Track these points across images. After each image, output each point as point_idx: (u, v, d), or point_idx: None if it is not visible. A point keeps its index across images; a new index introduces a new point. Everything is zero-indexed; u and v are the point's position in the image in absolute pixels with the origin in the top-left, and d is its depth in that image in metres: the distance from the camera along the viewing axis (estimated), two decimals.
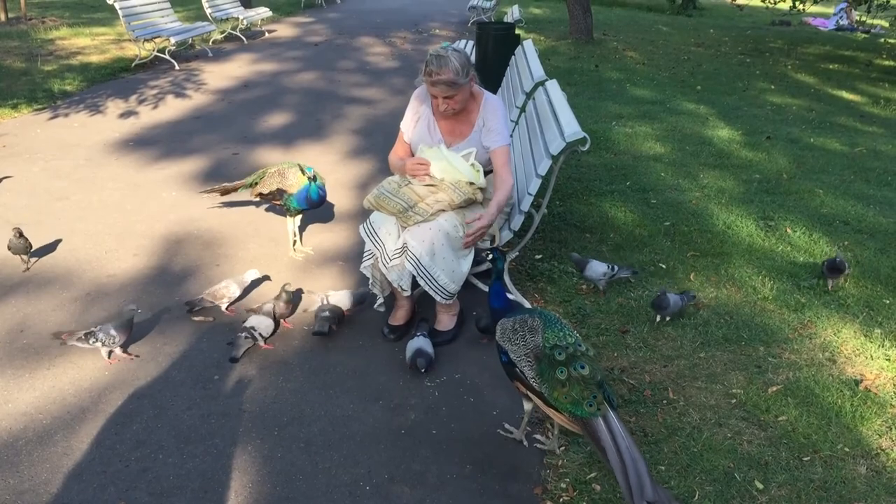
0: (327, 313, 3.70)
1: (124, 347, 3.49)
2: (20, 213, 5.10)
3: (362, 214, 3.72)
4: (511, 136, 4.03)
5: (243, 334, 3.54)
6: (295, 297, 3.84)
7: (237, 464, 2.87)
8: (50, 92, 8.65)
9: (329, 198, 5.61)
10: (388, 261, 3.52)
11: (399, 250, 3.49)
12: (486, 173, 3.65)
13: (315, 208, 4.53)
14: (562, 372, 2.53)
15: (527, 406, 2.93)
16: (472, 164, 3.59)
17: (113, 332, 3.32)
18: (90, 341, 3.33)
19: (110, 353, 3.43)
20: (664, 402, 3.30)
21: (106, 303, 3.99)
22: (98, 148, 6.66)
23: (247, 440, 3.00)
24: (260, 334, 3.55)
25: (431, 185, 3.54)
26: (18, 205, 5.25)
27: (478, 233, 3.44)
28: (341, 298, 3.82)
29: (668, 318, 3.95)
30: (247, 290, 4.11)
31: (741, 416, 3.22)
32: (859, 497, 2.78)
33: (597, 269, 4.10)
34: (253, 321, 3.59)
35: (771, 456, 2.98)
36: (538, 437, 3.08)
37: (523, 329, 2.70)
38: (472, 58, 9.80)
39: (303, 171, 4.38)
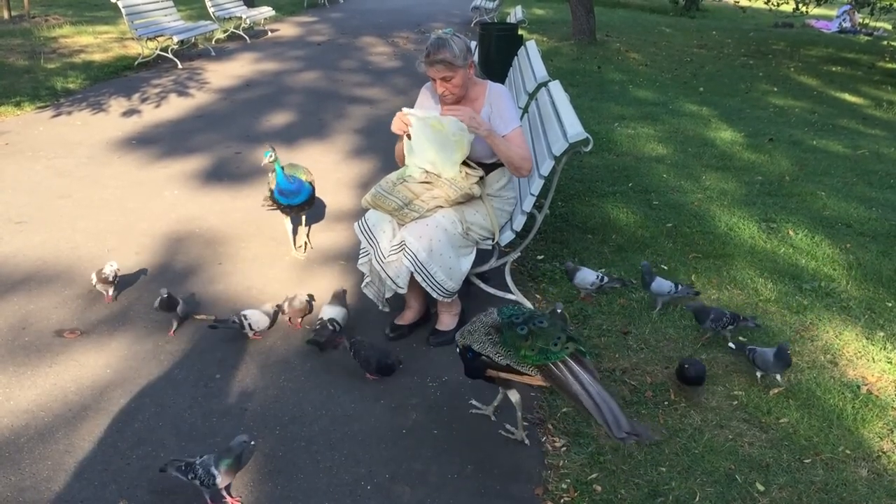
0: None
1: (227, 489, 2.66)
2: (22, 210, 5.11)
3: (363, 213, 3.72)
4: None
5: (232, 318, 3.62)
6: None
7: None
8: (53, 90, 8.66)
9: (331, 197, 5.62)
10: (384, 257, 3.52)
11: (397, 247, 3.49)
12: (492, 168, 3.63)
13: (293, 196, 4.36)
14: (522, 329, 2.67)
15: (514, 398, 2.95)
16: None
17: (213, 471, 2.54)
18: (189, 476, 2.56)
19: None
20: (665, 403, 3.30)
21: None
22: (100, 146, 6.66)
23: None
24: (250, 325, 3.59)
25: (427, 183, 3.54)
26: (20, 202, 5.25)
27: (462, 114, 3.40)
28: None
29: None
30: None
31: (742, 418, 3.22)
32: (860, 500, 2.78)
33: (586, 277, 4.06)
34: (248, 311, 3.63)
35: (772, 458, 2.98)
36: (474, 402, 3.24)
37: (478, 319, 2.86)
38: (476, 58, 9.82)
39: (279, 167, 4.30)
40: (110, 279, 3.86)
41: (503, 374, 2.78)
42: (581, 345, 2.63)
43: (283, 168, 4.30)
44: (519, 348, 2.65)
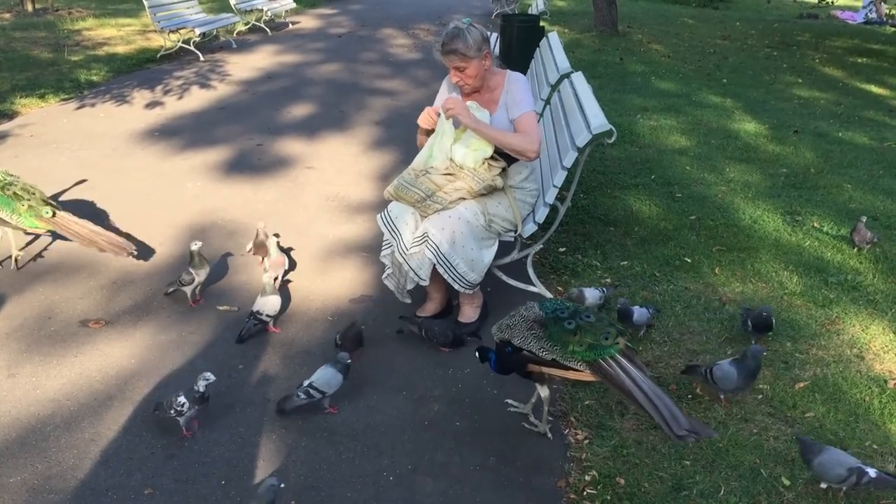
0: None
1: None
2: None
3: (384, 205, 3.72)
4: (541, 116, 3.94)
5: (251, 320, 3.62)
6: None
7: (261, 452, 2.88)
8: (77, 82, 8.73)
9: (351, 189, 5.63)
10: (407, 249, 3.52)
11: (419, 238, 3.49)
12: (514, 159, 3.61)
13: None
14: (570, 323, 2.64)
15: (543, 393, 2.93)
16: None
17: None
18: None
19: None
20: (689, 396, 3.28)
21: (132, 291, 4.02)
22: (124, 138, 6.71)
23: (271, 429, 3.01)
24: (267, 315, 3.59)
25: (450, 174, 3.53)
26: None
27: (449, 109, 3.45)
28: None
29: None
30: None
31: (768, 412, 3.19)
32: (887, 495, 2.75)
33: (643, 313, 3.66)
34: (258, 303, 3.62)
35: (798, 452, 2.94)
36: (510, 401, 3.21)
37: (517, 313, 2.81)
38: (496, 50, 9.77)
39: None
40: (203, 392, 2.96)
41: (545, 369, 2.75)
42: (630, 343, 2.61)
43: None
44: (567, 343, 2.62)
